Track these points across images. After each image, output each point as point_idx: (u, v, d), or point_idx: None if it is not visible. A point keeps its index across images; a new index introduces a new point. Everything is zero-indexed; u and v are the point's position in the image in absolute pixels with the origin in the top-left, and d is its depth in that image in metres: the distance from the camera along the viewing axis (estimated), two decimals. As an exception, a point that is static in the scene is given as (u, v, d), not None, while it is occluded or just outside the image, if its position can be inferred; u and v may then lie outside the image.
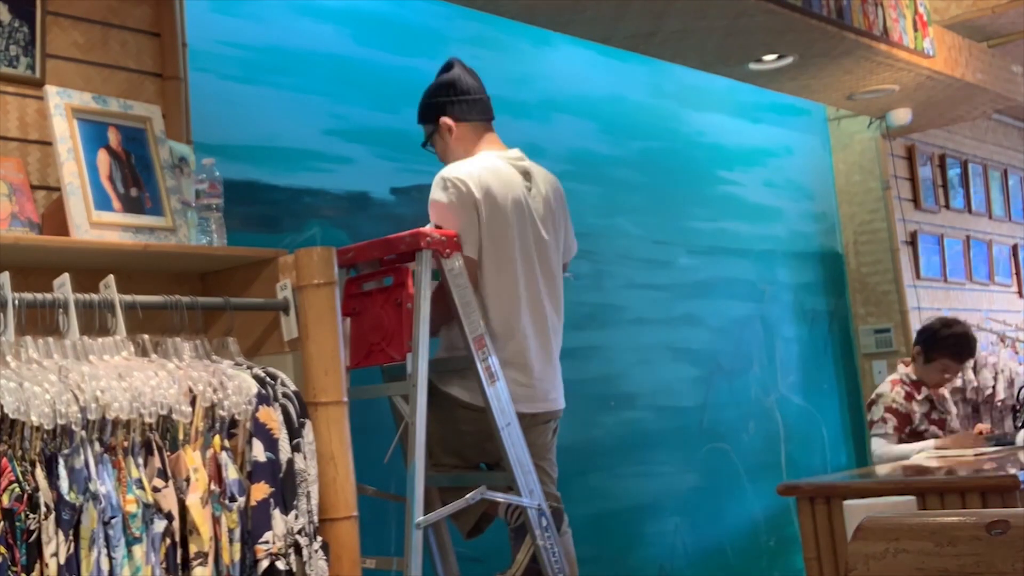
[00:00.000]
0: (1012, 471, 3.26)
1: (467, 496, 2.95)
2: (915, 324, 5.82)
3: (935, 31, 5.05)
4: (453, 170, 3.13)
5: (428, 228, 3.09)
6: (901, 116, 5.64)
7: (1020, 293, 7.17)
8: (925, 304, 6.05)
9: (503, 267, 3.13)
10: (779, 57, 4.61)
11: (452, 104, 3.26)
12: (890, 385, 4.78)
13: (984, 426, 4.90)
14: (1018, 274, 7.16)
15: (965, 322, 4.94)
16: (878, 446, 4.60)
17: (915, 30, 4.85)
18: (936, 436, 4.65)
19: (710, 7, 3.97)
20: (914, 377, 4.78)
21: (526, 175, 3.24)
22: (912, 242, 6.10)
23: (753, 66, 4.70)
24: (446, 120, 3.25)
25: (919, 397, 4.74)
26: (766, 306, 5.43)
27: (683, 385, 4.90)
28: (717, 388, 5.06)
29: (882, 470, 4.06)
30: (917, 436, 4.66)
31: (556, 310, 3.27)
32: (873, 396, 4.81)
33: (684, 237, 5.05)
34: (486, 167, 3.16)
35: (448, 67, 3.32)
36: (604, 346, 4.54)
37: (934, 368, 4.75)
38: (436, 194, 3.12)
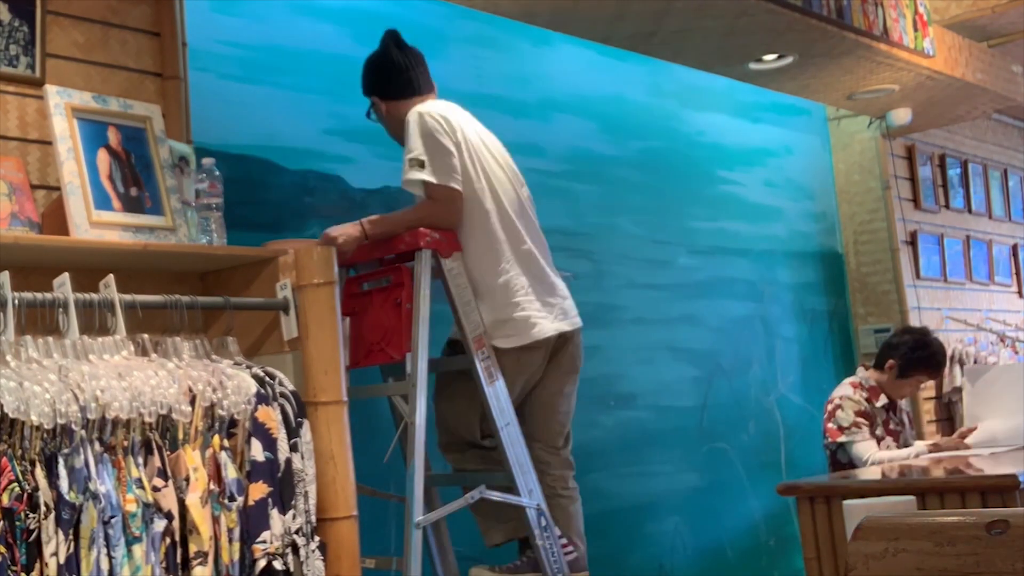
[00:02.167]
0: (1012, 471, 3.26)
1: (467, 496, 2.95)
2: (915, 324, 5.83)
3: (935, 31, 5.05)
4: (427, 107, 3.16)
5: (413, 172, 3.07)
6: (901, 116, 5.64)
7: (1020, 293, 7.17)
8: (925, 304, 6.05)
9: (494, 184, 3.17)
10: (779, 57, 4.61)
11: (379, 84, 3.27)
12: (851, 388, 4.69)
13: (965, 429, 4.85)
14: (1018, 274, 7.16)
15: (933, 333, 4.90)
16: (865, 450, 4.49)
17: (915, 30, 4.85)
18: (891, 446, 4.59)
19: (710, 7, 3.96)
20: (872, 383, 4.70)
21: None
22: (912, 242, 6.10)
23: (753, 66, 4.70)
24: (376, 100, 3.29)
25: (877, 404, 4.67)
26: (766, 306, 5.43)
27: (683, 385, 4.90)
28: (717, 388, 5.06)
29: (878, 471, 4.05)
30: (875, 442, 4.59)
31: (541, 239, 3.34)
32: (837, 400, 4.66)
33: (684, 237, 5.05)
34: (439, 104, 3.22)
35: (381, 43, 3.29)
36: (604, 346, 4.54)
37: (910, 383, 4.73)
38: (416, 122, 3.10)
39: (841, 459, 4.59)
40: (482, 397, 3.01)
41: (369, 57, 3.31)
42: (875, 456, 4.46)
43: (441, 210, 3.07)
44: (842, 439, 4.56)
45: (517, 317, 3.12)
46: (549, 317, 3.17)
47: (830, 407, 4.68)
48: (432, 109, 3.14)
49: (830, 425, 4.62)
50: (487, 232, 3.12)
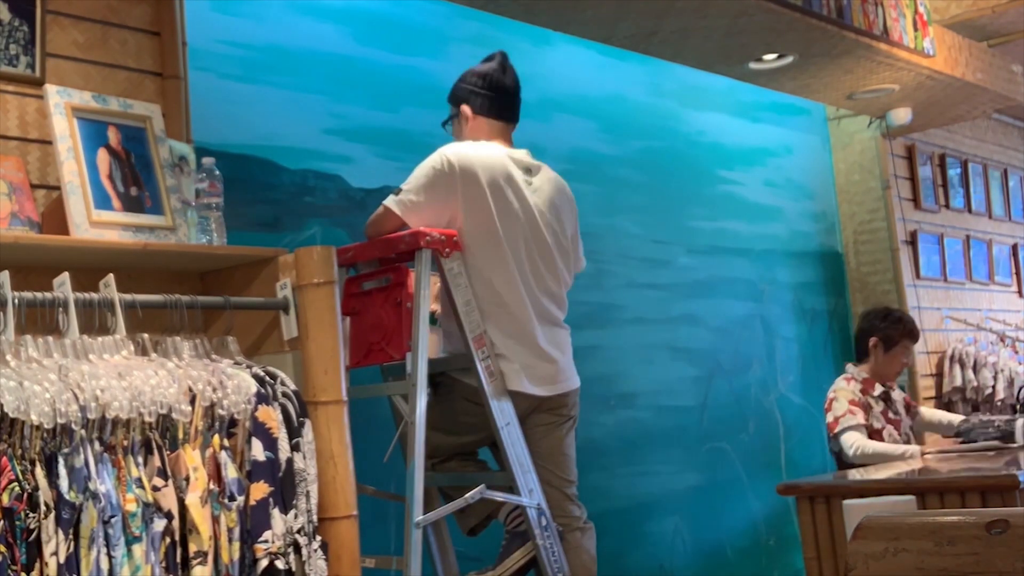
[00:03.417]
0: (1012, 471, 3.26)
1: (467, 495, 2.95)
2: (916, 324, 5.82)
3: (935, 31, 5.05)
4: (449, 147, 3.15)
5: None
6: (901, 116, 5.64)
7: (1020, 293, 7.17)
8: (925, 304, 6.05)
9: (487, 240, 3.11)
10: (779, 57, 4.61)
11: (475, 95, 3.26)
12: (844, 382, 4.68)
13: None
14: (1018, 274, 7.17)
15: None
16: (856, 438, 4.43)
17: (915, 30, 4.85)
18: (892, 435, 4.56)
19: (710, 7, 3.96)
20: (864, 374, 4.69)
21: (527, 171, 3.24)
22: (912, 242, 6.10)
23: (753, 66, 4.70)
24: (465, 109, 3.26)
25: (875, 393, 4.66)
26: (766, 306, 5.43)
27: (683, 385, 4.90)
28: (717, 388, 5.06)
29: (879, 471, 4.03)
30: (875, 433, 4.54)
31: (555, 304, 3.28)
32: (831, 395, 4.65)
33: (684, 237, 5.05)
34: (479, 147, 3.18)
35: (489, 59, 3.31)
36: (604, 346, 4.54)
37: (896, 354, 4.72)
38: (431, 157, 3.13)
39: (844, 457, 4.56)
40: (482, 397, 3.01)
41: (473, 68, 3.30)
42: (864, 446, 4.41)
43: (371, 219, 3.16)
44: (837, 429, 4.53)
45: None
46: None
47: (827, 402, 4.67)
48: (458, 150, 3.13)
49: (828, 418, 4.60)
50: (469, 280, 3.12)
